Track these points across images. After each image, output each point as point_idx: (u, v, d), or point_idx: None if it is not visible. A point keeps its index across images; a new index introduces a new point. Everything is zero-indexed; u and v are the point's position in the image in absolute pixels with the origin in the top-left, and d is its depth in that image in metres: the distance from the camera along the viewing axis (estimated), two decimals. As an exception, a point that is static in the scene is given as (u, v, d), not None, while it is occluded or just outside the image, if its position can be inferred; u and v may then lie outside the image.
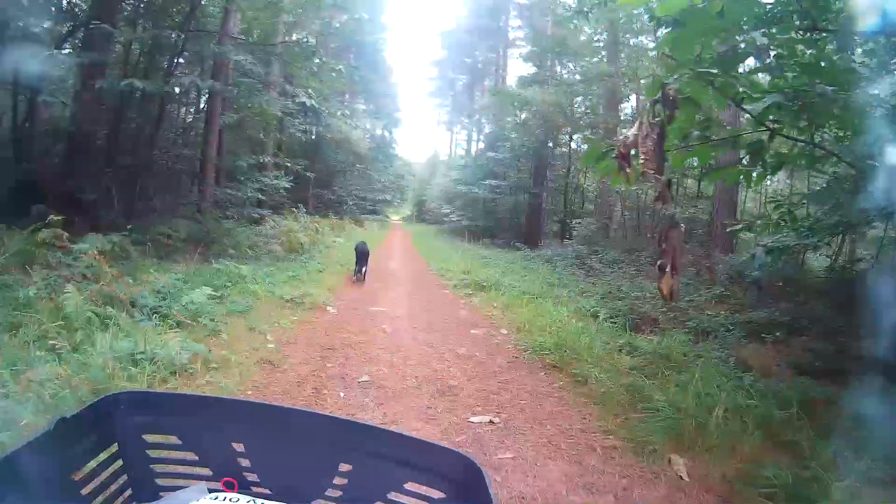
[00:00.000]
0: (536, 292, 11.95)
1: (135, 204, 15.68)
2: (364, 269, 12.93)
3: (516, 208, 28.26)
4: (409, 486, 1.02)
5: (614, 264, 16.54)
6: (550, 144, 26.19)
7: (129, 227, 12.05)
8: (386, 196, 37.40)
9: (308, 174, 26.61)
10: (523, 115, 26.10)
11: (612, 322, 9.42)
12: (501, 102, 27.70)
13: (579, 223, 20.02)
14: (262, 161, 22.92)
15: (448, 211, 32.73)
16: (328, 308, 9.57)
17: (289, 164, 24.60)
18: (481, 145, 36.04)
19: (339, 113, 25.48)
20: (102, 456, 1.03)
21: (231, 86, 17.61)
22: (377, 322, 8.97)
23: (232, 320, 7.93)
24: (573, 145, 26.62)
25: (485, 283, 12.87)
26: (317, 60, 19.80)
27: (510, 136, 27.29)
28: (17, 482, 0.86)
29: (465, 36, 40.02)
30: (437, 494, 1.00)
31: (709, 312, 10.13)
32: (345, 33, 26.10)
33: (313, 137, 29.98)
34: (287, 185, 23.99)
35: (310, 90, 20.52)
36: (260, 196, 22.49)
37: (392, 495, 1.03)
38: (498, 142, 29.40)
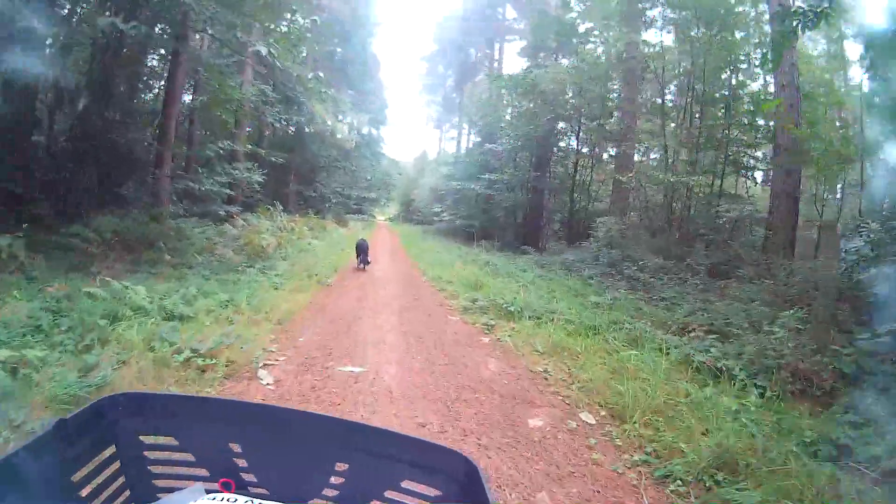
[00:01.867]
0: (591, 323, 7.55)
1: (79, 197, 12.11)
2: (367, 260, 13.25)
3: (515, 206, 23.92)
4: (406, 484, 0.97)
5: (660, 273, 12.30)
6: (557, 131, 21.85)
7: (24, 225, 9.24)
8: (372, 194, 32.88)
9: (278, 160, 22.63)
10: (527, 104, 21.73)
11: (756, 385, 5.13)
12: (503, 88, 23.20)
13: (603, 222, 15.56)
14: (226, 147, 18.45)
15: (439, 209, 28.12)
16: (260, 375, 4.90)
17: (261, 153, 20.38)
18: (472, 142, 31.90)
19: (316, 88, 21.17)
20: (101, 457, 0.97)
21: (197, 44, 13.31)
22: (348, 404, 4.47)
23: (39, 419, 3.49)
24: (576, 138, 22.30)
25: (510, 307, 8.37)
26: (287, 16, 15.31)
27: (509, 126, 22.93)
28: (16, 483, 0.81)
29: (459, 28, 35.86)
30: (433, 492, 0.95)
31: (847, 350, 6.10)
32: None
33: (293, 131, 25.95)
34: (260, 179, 19.94)
35: (271, 40, 15.91)
36: (228, 191, 18.17)
37: (389, 493, 0.98)
38: (495, 133, 25.09)
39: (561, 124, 22.15)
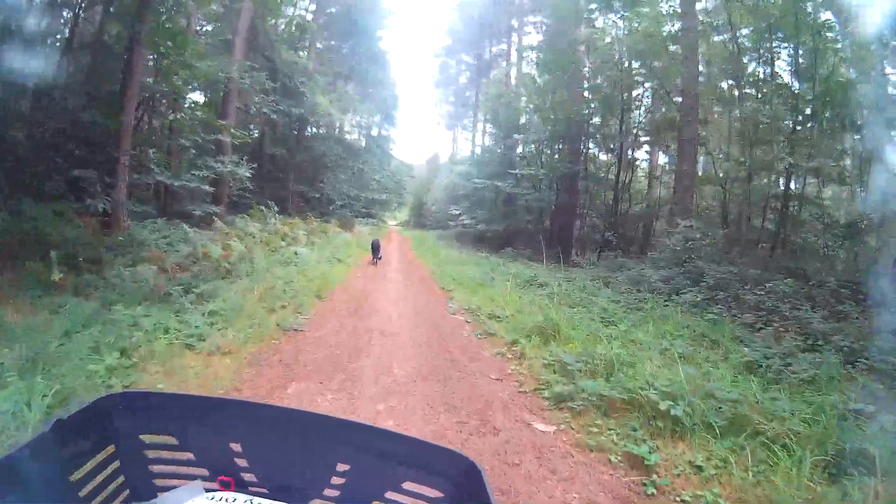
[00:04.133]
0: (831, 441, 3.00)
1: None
2: (379, 256, 13.94)
3: (543, 208, 19.68)
4: (407, 485, 0.89)
5: (797, 301, 8.01)
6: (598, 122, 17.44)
7: None
8: (382, 196, 28.47)
9: (277, 155, 19.18)
10: (559, 89, 17.37)
11: None
12: (558, 64, 18.37)
13: (688, 226, 10.93)
14: (200, 132, 14.22)
15: (457, 212, 23.43)
16: None
17: (248, 139, 16.33)
18: (488, 140, 27.77)
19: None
20: (100, 456, 0.90)
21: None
22: None
23: None
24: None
25: (669, 404, 3.64)
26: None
27: (539, 111, 18.53)
28: (16, 483, 0.75)
29: (474, 19, 32.01)
30: (435, 494, 0.87)
31: None
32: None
33: (295, 125, 21.92)
34: (248, 173, 15.93)
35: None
36: (206, 187, 13.98)
37: (390, 495, 0.90)
38: (515, 127, 21.33)
39: (596, 119, 17.83)
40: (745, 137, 13.92)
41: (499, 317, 6.91)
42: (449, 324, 6.93)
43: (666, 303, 8.54)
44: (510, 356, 5.38)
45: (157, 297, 5.92)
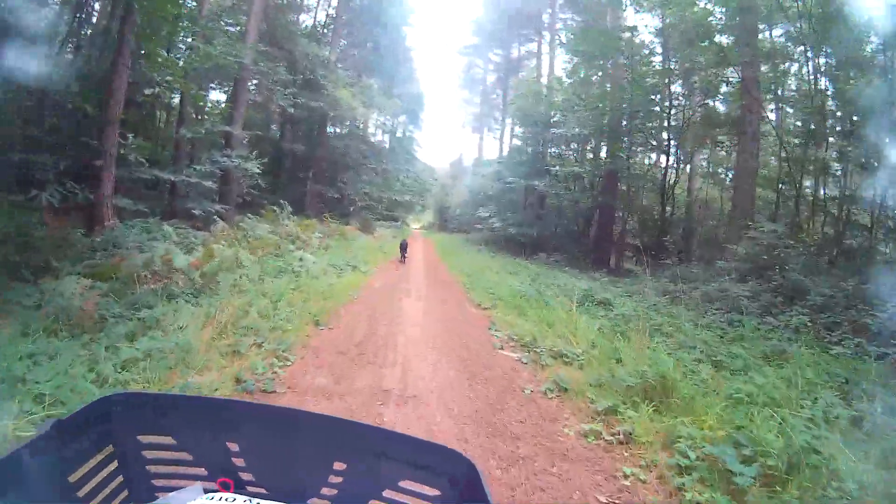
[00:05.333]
0: None
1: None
2: (405, 255, 14.35)
3: (577, 212, 17.83)
4: (404, 483, 0.86)
5: None
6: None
7: None
8: (406, 197, 26.61)
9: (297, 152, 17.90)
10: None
11: None
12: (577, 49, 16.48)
13: (774, 232, 8.78)
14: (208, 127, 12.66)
15: (486, 215, 21.28)
16: None
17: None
18: (516, 141, 25.48)
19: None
20: (98, 457, 0.85)
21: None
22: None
23: None
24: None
25: None
26: None
27: (579, 102, 16.58)
28: (15, 484, 0.72)
29: (502, 17, 29.78)
30: (432, 492, 0.84)
31: None
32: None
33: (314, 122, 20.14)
34: (257, 169, 14.17)
35: None
36: (208, 183, 12.26)
37: (388, 493, 0.86)
38: (546, 126, 19.13)
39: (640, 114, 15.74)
40: (808, 135, 12.03)
41: (567, 357, 4.82)
42: (499, 369, 4.79)
43: (761, 328, 6.47)
44: (610, 439, 3.32)
45: (83, 324, 4.00)
